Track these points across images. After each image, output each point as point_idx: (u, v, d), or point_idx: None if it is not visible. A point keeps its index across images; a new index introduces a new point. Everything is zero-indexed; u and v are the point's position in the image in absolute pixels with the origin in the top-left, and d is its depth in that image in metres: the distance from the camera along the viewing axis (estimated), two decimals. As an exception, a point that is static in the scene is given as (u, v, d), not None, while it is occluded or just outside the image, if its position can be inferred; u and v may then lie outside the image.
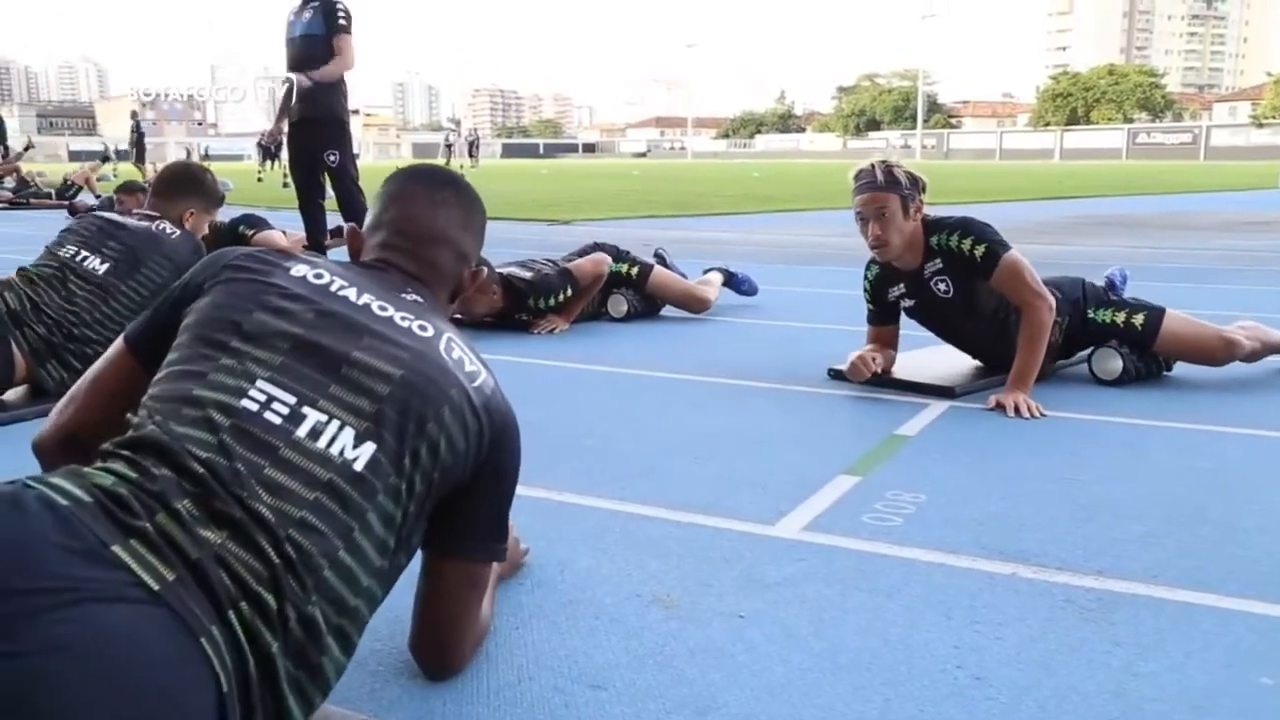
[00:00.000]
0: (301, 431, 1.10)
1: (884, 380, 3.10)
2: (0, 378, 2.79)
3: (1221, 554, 1.85)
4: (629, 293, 4.47)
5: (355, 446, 1.12)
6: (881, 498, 2.14)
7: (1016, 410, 2.81)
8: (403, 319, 1.26)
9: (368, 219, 1.46)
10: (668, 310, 4.64)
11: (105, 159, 16.11)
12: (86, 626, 0.84)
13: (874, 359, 3.05)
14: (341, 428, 1.12)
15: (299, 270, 1.28)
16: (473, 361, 1.29)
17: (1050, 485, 2.24)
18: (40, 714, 0.80)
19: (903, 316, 3.25)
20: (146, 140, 22.94)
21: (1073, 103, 75.90)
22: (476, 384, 1.25)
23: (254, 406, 1.10)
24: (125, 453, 1.05)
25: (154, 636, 0.88)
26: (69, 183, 13.35)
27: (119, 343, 1.36)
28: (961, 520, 2.02)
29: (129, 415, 1.14)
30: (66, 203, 12.00)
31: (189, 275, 1.31)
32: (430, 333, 1.26)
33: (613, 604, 1.64)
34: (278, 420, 1.10)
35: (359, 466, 1.11)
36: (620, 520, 2.02)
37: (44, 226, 9.71)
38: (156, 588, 0.90)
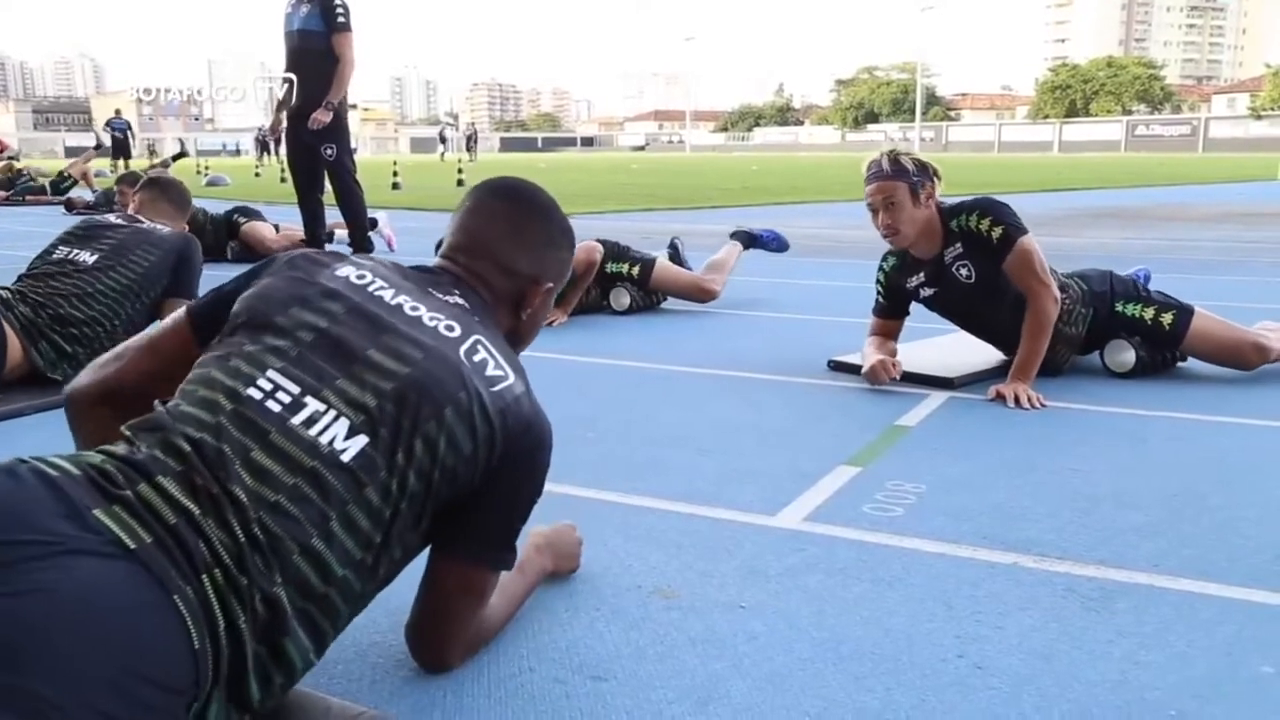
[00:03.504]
0: (297, 420, 1.12)
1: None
2: None
3: (1223, 544, 1.85)
4: (632, 286, 4.44)
5: (347, 438, 1.13)
6: (882, 488, 2.14)
7: (1017, 401, 2.80)
8: (431, 319, 1.26)
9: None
10: (669, 303, 4.62)
11: (98, 146, 16.03)
12: (67, 574, 0.90)
13: (895, 364, 3.03)
14: (337, 418, 1.14)
15: (343, 271, 1.30)
16: (498, 367, 1.27)
17: (1051, 475, 2.24)
18: (21, 651, 0.85)
19: (910, 312, 3.24)
20: (140, 135, 22.89)
21: (1071, 95, 75.93)
22: (496, 389, 1.25)
23: (258, 395, 1.14)
24: (128, 434, 1.11)
25: (129, 588, 0.93)
26: (64, 175, 13.32)
27: (179, 313, 1.39)
28: (963, 510, 2.01)
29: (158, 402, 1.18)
30: (62, 198, 11.98)
31: (254, 267, 1.37)
32: (456, 333, 1.26)
33: (614, 595, 1.64)
34: (277, 408, 1.13)
35: (346, 458, 1.12)
36: (621, 512, 2.02)
37: (40, 222, 9.71)
38: (133, 546, 0.96)
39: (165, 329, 1.39)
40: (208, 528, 1.01)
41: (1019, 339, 2.98)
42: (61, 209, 11.21)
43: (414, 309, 1.27)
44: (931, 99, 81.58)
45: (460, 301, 1.34)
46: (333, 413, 1.14)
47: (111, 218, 3.32)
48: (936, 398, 2.91)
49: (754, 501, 2.07)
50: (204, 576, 0.99)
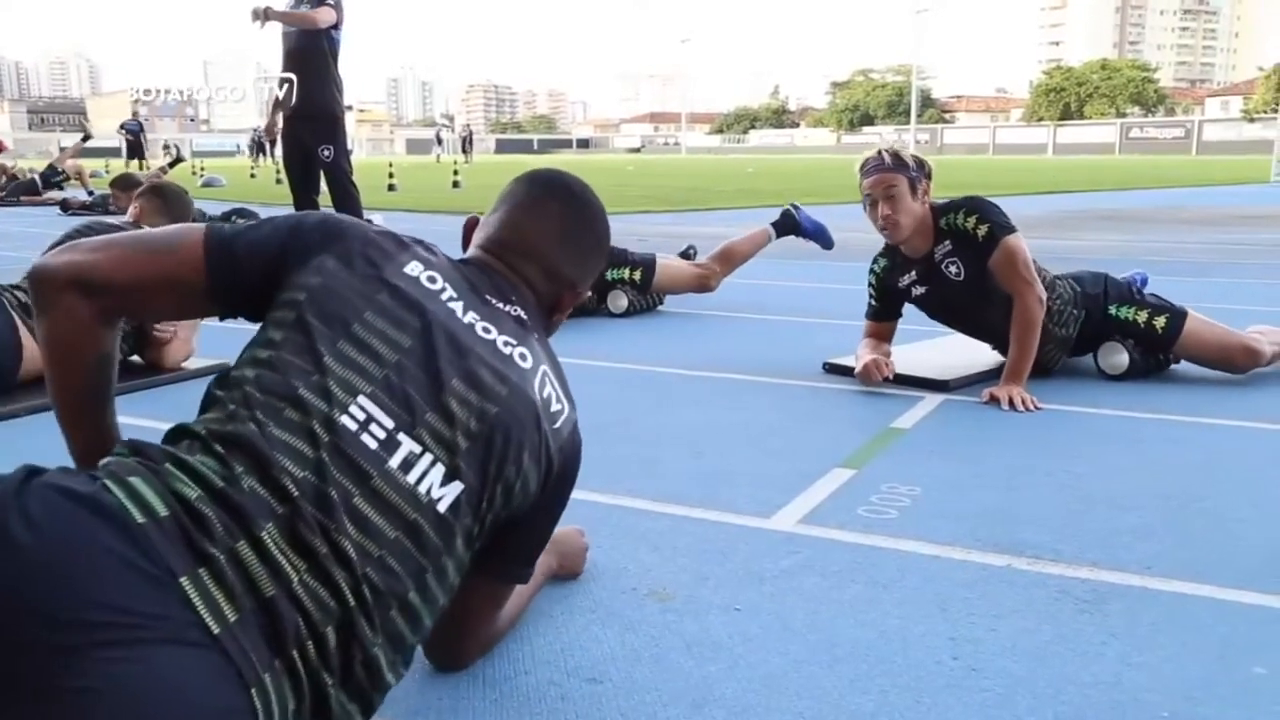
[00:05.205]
0: (394, 462, 1.08)
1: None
2: (9, 358, 2.87)
3: (1215, 545, 1.86)
4: (630, 289, 4.42)
5: (443, 485, 1.10)
6: (877, 490, 2.15)
7: (1011, 403, 2.81)
8: (505, 344, 1.23)
9: (487, 213, 1.44)
10: (665, 306, 4.63)
11: (87, 137, 15.85)
12: (137, 667, 0.83)
13: (888, 364, 3.04)
14: (433, 463, 1.10)
15: (413, 269, 1.22)
16: (559, 399, 1.27)
17: (1045, 478, 2.25)
18: None
19: (903, 314, 3.25)
20: (143, 135, 22.83)
21: (1065, 97, 76.12)
22: (556, 425, 1.25)
23: (353, 426, 1.07)
24: (218, 448, 1.02)
25: (201, 686, 0.86)
26: (55, 170, 13.24)
27: (191, 234, 1.23)
28: (957, 513, 2.02)
29: (220, 392, 1.11)
30: (58, 197, 11.95)
31: (315, 225, 1.25)
32: (529, 364, 1.24)
33: (609, 598, 1.64)
34: (373, 445, 1.07)
35: (443, 508, 1.09)
36: (616, 514, 2.02)
37: (36, 222, 9.69)
38: (216, 630, 0.88)
39: (174, 252, 1.21)
40: (306, 594, 0.95)
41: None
42: (57, 210, 11.20)
43: (486, 330, 1.22)
44: (926, 101, 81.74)
45: (520, 314, 1.30)
46: (429, 456, 1.10)
47: (117, 222, 3.34)
48: (931, 400, 2.92)
49: (749, 504, 2.07)
50: (294, 653, 0.93)
